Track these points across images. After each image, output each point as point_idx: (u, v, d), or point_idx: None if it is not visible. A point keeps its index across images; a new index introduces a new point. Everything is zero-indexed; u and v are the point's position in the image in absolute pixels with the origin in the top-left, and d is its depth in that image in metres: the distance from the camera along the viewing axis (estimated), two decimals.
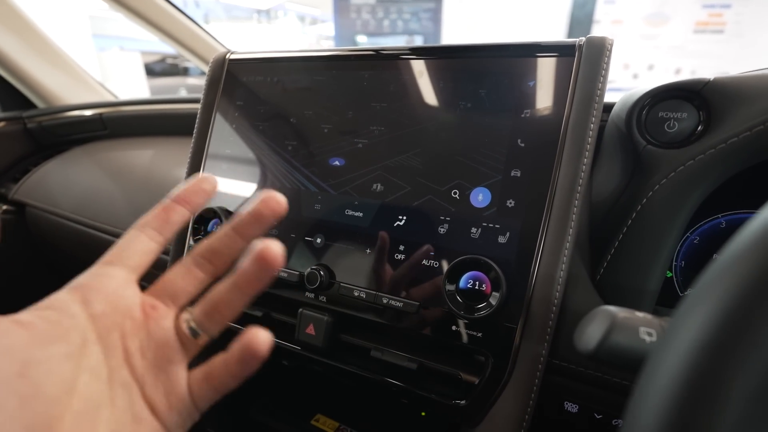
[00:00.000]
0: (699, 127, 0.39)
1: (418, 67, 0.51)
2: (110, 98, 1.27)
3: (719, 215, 0.47)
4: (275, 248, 0.27)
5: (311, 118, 0.56)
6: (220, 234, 0.29)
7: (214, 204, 0.59)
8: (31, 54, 1.11)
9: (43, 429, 0.21)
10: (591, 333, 0.28)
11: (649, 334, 0.27)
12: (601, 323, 0.28)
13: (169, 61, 6.66)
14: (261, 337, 0.27)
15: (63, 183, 1.03)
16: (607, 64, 0.43)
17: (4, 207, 1.07)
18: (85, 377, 0.24)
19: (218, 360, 0.28)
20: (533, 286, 0.42)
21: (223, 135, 0.62)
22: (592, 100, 0.42)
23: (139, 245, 0.28)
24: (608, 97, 0.51)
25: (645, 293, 0.42)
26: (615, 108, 0.50)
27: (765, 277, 0.17)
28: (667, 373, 0.18)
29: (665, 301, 0.46)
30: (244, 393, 0.70)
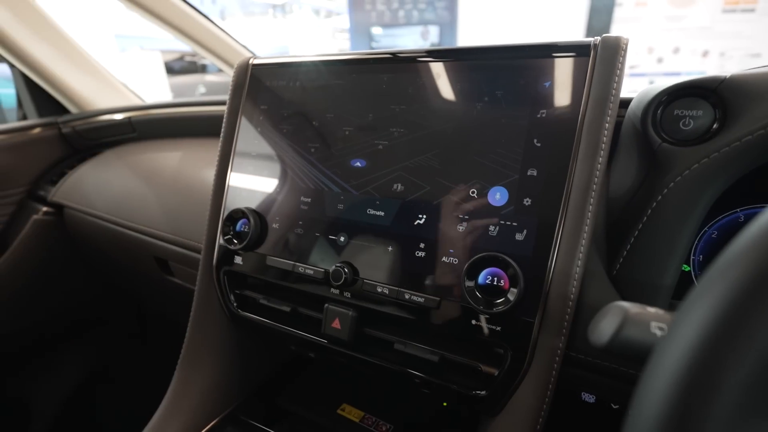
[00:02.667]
0: (714, 125, 0.40)
1: (436, 69, 0.53)
2: (137, 101, 1.32)
3: (738, 209, 0.47)
4: None
5: (332, 121, 0.58)
6: None
7: (242, 205, 0.62)
8: (64, 62, 1.17)
9: None
10: (604, 327, 0.30)
11: (661, 329, 0.29)
12: (614, 318, 0.30)
13: (188, 58, 6.78)
14: None
15: (97, 185, 1.09)
16: (623, 63, 0.43)
17: (44, 209, 1.13)
18: None
19: None
20: (550, 282, 0.43)
21: (249, 138, 0.65)
22: (607, 100, 0.43)
23: None
24: (631, 83, 0.52)
25: (660, 288, 0.43)
26: (631, 105, 0.50)
27: (761, 277, 0.18)
28: (670, 364, 0.20)
29: (683, 295, 0.47)
30: (273, 382, 0.74)
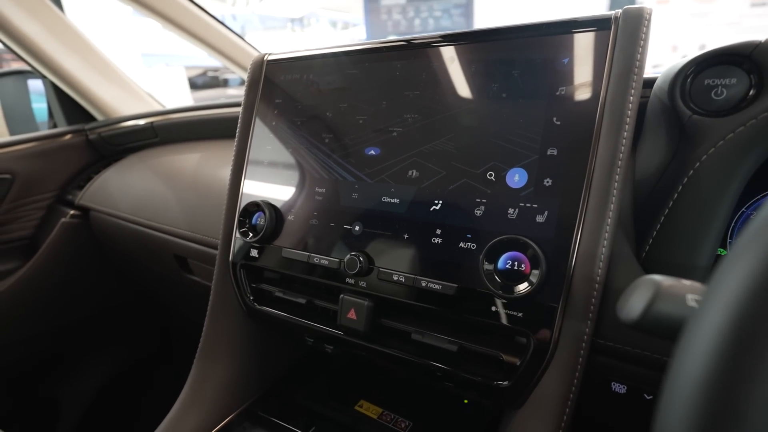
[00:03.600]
0: (751, 92, 0.37)
1: (449, 53, 0.51)
2: (159, 108, 1.36)
3: None
4: None
5: (346, 111, 0.58)
6: None
7: (258, 198, 0.62)
8: (90, 71, 1.21)
9: None
10: (634, 302, 0.28)
11: (698, 302, 0.26)
12: (645, 291, 0.27)
13: (210, 74, 7.00)
14: None
15: (121, 188, 1.12)
16: (646, 34, 0.41)
17: (72, 212, 1.17)
18: None
19: None
20: (574, 265, 0.41)
21: (264, 133, 0.65)
22: (631, 73, 0.41)
23: None
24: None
25: (695, 269, 0.40)
26: (657, 81, 0.48)
27: None
28: (715, 318, 0.18)
29: None
30: (290, 378, 0.73)
